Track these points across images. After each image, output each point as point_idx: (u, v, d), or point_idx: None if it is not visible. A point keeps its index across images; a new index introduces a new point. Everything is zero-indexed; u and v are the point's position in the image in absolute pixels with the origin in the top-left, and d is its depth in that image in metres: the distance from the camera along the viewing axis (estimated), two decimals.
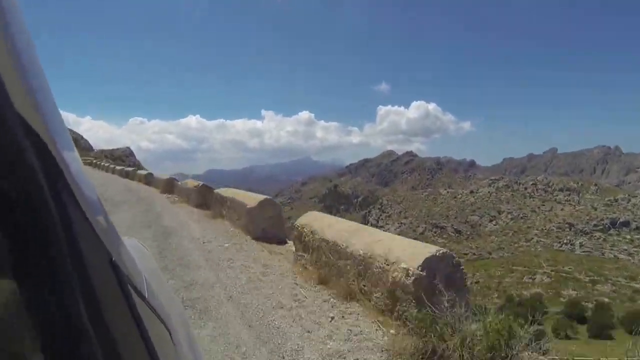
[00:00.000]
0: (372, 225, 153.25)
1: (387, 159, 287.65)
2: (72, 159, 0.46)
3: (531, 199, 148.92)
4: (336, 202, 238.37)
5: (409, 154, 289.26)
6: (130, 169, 29.01)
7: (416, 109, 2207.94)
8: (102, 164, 35.92)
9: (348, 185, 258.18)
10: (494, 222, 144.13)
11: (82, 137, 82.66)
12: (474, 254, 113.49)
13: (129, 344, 0.55)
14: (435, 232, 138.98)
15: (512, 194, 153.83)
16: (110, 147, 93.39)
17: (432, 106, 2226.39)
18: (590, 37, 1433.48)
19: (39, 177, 0.35)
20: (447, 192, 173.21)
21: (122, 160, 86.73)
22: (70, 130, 76.00)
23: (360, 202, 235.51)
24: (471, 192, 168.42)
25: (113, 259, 0.56)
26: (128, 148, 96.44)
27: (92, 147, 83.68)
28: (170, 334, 0.88)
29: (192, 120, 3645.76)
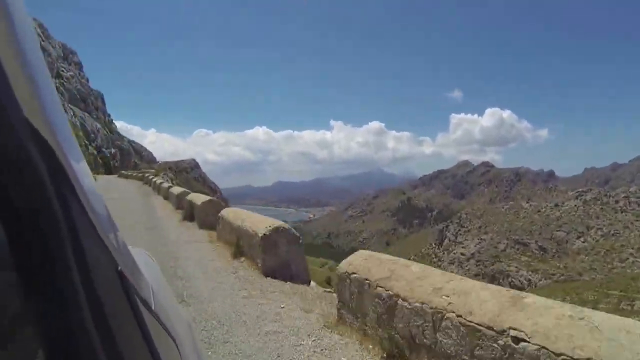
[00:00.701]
0: (449, 241, 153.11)
1: (463, 169, 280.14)
2: (79, 167, 0.46)
3: (623, 214, 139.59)
4: (410, 215, 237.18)
5: (485, 164, 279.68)
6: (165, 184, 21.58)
7: (490, 116, 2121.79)
8: (149, 176, 29.45)
9: (422, 197, 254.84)
10: (582, 239, 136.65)
11: (145, 149, 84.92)
12: (562, 274, 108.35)
13: (135, 354, 0.55)
14: (517, 249, 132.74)
15: (602, 208, 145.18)
16: (172, 160, 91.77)
17: (506, 113, 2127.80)
18: None
19: (46, 185, 0.35)
20: (530, 205, 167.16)
21: (187, 172, 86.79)
22: (133, 142, 78.25)
23: (435, 215, 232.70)
24: (556, 205, 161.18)
25: (119, 268, 0.57)
26: (193, 160, 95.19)
27: (155, 159, 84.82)
28: (176, 345, 0.89)
29: (259, 132, 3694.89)
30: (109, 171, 56.43)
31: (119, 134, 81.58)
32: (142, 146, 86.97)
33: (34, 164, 0.34)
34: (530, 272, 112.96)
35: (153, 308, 0.76)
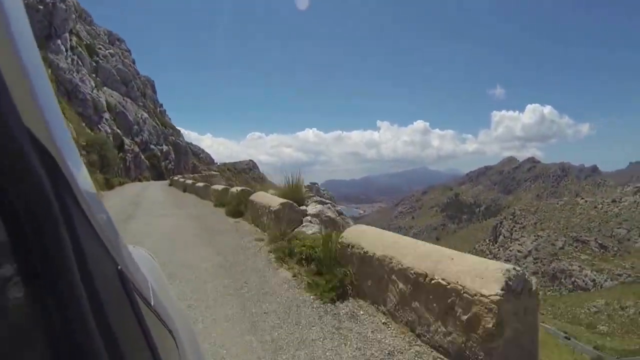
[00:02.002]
0: (504, 237, 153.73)
1: (509, 166, 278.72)
2: (77, 170, 0.47)
3: None
4: (458, 211, 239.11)
5: (531, 160, 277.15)
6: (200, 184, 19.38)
7: (531, 112, 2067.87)
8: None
9: (469, 193, 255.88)
10: None
11: (203, 151, 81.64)
12: (629, 275, 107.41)
13: (135, 350, 0.56)
14: (576, 247, 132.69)
15: None
16: (230, 161, 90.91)
17: (547, 109, 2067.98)
18: None
19: (45, 186, 0.36)
20: (585, 201, 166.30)
21: (245, 173, 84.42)
22: (192, 144, 71.99)
23: (482, 211, 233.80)
24: (613, 201, 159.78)
25: (119, 267, 0.57)
26: (251, 161, 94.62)
27: (213, 160, 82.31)
28: (175, 341, 0.90)
29: (310, 134, 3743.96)
30: (159, 175, 43.14)
31: (173, 128, 69.03)
32: (199, 148, 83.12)
33: (33, 168, 0.35)
34: (594, 272, 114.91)
35: (152, 305, 0.78)
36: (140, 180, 37.23)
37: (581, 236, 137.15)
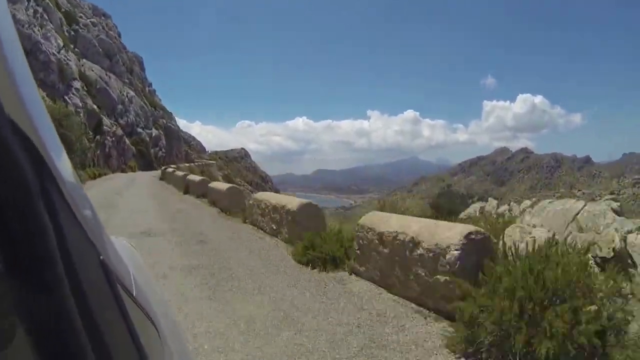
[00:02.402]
0: None
1: (501, 156, 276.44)
2: (59, 159, 0.46)
3: None
4: (450, 202, 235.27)
5: (524, 150, 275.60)
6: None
7: (522, 102, 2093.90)
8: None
9: (462, 184, 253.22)
10: None
11: (194, 138, 79.68)
12: None
13: (117, 340, 0.56)
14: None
15: None
16: (221, 150, 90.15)
17: (538, 99, 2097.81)
18: None
19: (27, 177, 0.36)
20: (583, 193, 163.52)
21: (237, 162, 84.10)
22: (183, 132, 60.12)
23: (475, 202, 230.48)
24: (611, 193, 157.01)
25: (101, 257, 0.58)
26: (243, 149, 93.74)
27: (204, 148, 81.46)
28: (157, 330, 0.91)
29: (299, 122, 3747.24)
30: (147, 164, 37.86)
31: (164, 109, 62.88)
32: (190, 135, 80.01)
33: (17, 159, 0.35)
34: None
35: (134, 294, 0.79)
36: (124, 171, 31.07)
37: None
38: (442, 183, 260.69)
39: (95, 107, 29.86)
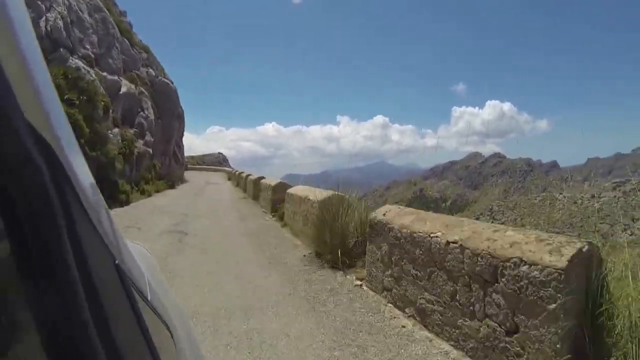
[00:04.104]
0: None
1: (474, 161, 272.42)
2: (77, 162, 0.47)
3: None
4: (424, 206, 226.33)
5: (497, 155, 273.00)
6: None
7: (491, 109, 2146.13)
8: None
9: (435, 188, 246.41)
10: (629, 232, 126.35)
11: None
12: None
13: (131, 345, 0.56)
14: None
15: None
16: (197, 154, 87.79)
17: (507, 106, 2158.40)
18: None
19: (44, 180, 0.36)
20: (564, 196, 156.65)
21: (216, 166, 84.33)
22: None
23: (449, 206, 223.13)
24: (593, 196, 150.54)
25: (117, 261, 0.57)
26: (221, 154, 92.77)
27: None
28: (172, 336, 0.90)
29: (269, 128, 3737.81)
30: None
31: (147, 50, 34.34)
32: None
33: (34, 160, 0.34)
34: None
35: (149, 299, 0.78)
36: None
37: (564, 232, 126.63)
38: (415, 187, 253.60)
39: None
